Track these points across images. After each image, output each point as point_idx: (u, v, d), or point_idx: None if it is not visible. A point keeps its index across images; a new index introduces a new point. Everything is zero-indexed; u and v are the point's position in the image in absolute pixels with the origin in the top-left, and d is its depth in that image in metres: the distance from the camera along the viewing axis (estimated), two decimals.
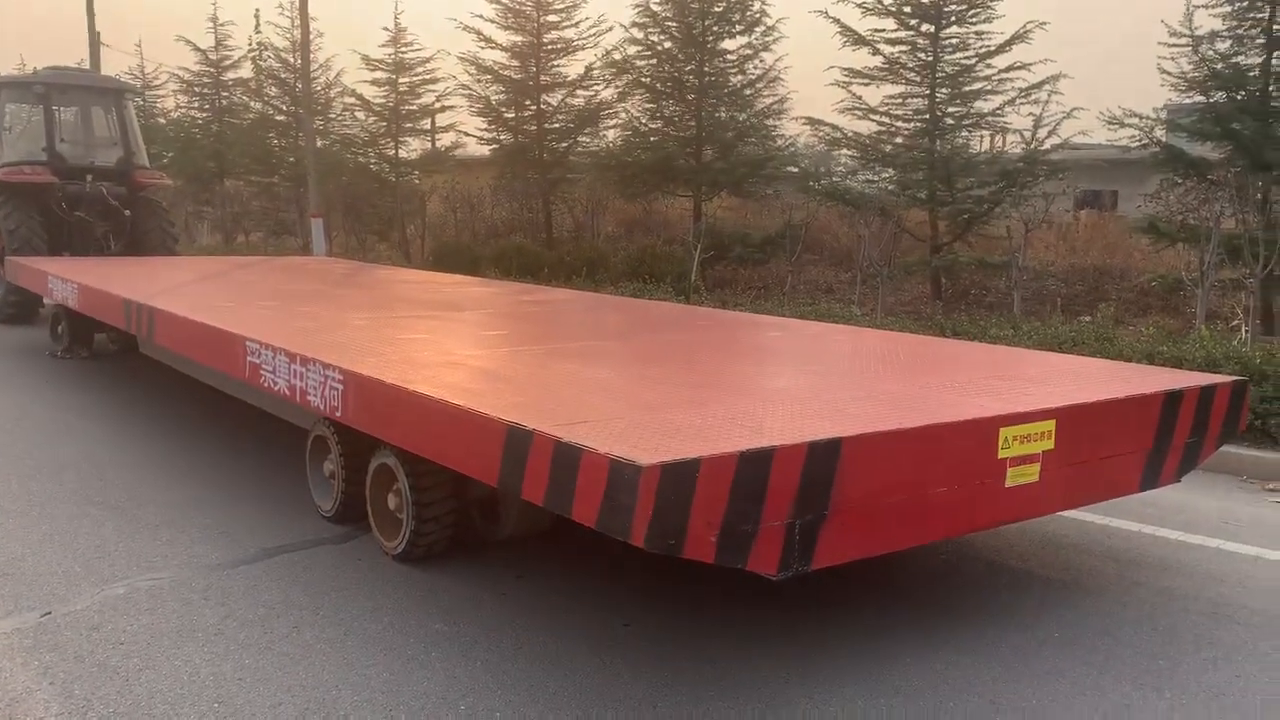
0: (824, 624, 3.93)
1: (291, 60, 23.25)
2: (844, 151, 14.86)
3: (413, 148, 22.07)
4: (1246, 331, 8.62)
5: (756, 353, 5.41)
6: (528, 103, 18.37)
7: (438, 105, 20.93)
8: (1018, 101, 12.95)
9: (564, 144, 18.39)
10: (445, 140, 22.17)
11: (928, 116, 13.48)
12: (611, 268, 13.25)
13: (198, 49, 25.20)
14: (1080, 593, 4.33)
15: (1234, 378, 4.59)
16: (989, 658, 3.66)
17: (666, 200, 17.60)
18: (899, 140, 13.54)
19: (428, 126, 21.84)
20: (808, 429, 3.28)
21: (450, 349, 5.22)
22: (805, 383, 4.33)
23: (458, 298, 7.92)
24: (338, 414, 4.40)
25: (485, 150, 19.45)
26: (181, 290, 7.81)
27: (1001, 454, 3.63)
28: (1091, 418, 3.93)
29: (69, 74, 14.09)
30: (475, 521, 4.71)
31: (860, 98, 13.63)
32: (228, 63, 25.31)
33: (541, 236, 18.21)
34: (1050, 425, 3.76)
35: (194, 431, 6.94)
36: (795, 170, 15.68)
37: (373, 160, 21.80)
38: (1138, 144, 11.51)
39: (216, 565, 4.47)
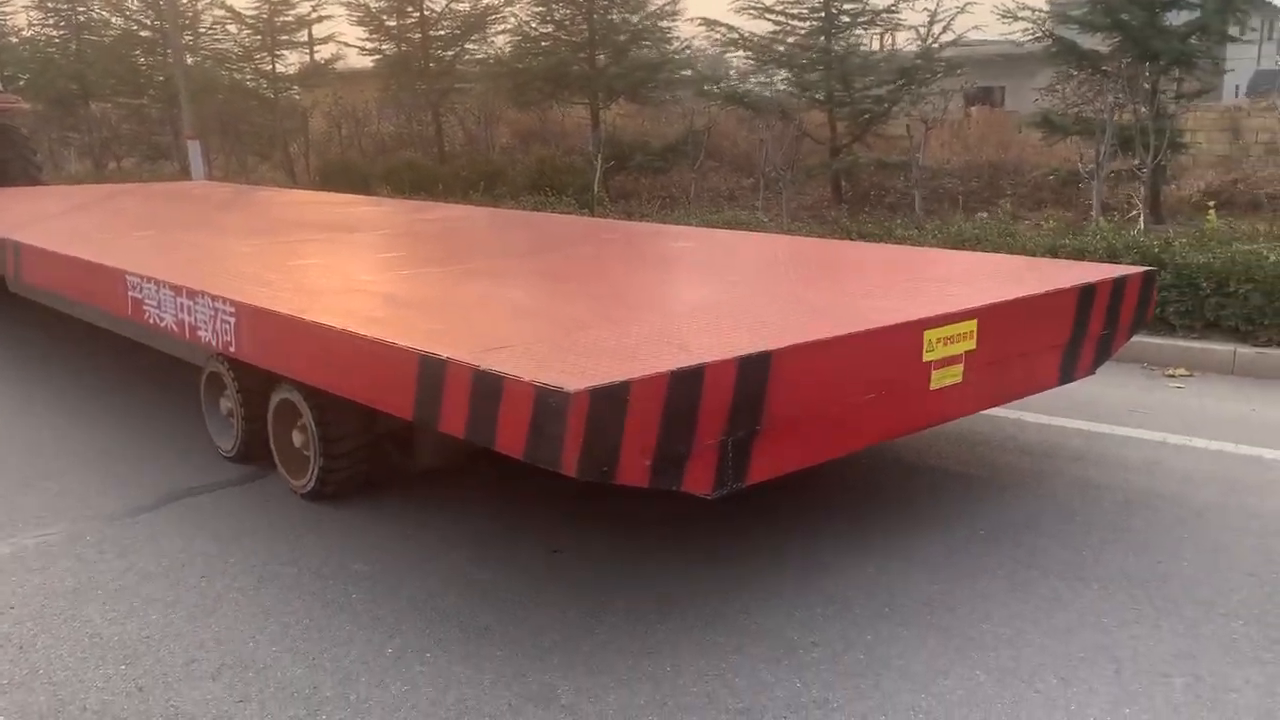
0: (753, 538, 3.88)
1: None
2: (739, 54, 14.63)
3: (290, 62, 21.05)
4: (1141, 220, 8.80)
5: (670, 265, 5.26)
6: (410, 9, 17.54)
7: (314, 15, 19.91)
8: None
9: (450, 52, 17.67)
10: (325, 53, 21.15)
11: (823, 14, 13.29)
12: (510, 181, 12.86)
13: None
14: (999, 488, 4.38)
15: (1143, 269, 4.63)
16: (918, 561, 3.66)
17: (562, 109, 17.10)
18: (794, 39, 13.32)
19: (305, 39, 20.77)
20: (735, 343, 3.16)
21: (348, 274, 4.95)
22: (724, 295, 4.21)
23: (350, 219, 7.55)
24: (232, 349, 4.12)
25: (368, 62, 18.61)
26: (50, 222, 7.27)
27: (926, 357, 3.58)
28: (1011, 315, 3.91)
29: None
30: (389, 455, 4.51)
31: None
32: None
33: (433, 151, 17.58)
34: (972, 325, 3.72)
35: (76, 374, 6.52)
36: (691, 74, 15.36)
37: (249, 77, 20.67)
38: (1030, 37, 11.55)
39: (112, 516, 4.20)
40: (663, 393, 2.83)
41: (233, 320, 4.05)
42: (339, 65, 21.07)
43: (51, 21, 24.30)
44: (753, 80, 15.43)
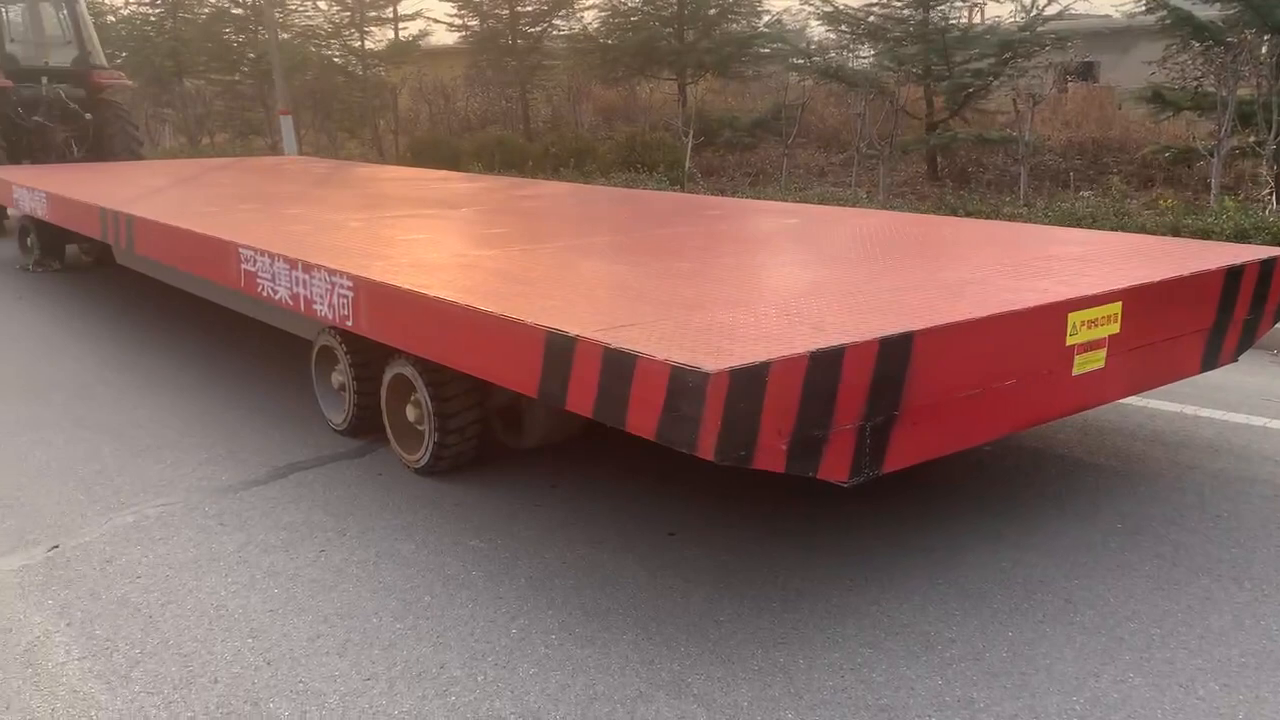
0: (879, 527, 3.75)
1: None
2: (822, 27, 14.28)
3: (378, 39, 21.18)
4: (1274, 199, 8.34)
5: (781, 242, 5.12)
6: None
7: None
8: None
9: (538, 28, 17.62)
10: (412, 29, 21.26)
11: None
12: (600, 158, 12.76)
13: None
14: (1134, 480, 4.17)
15: None
16: (1054, 553, 3.50)
17: (650, 85, 16.94)
18: (897, 9, 12.95)
19: (392, 16, 20.90)
20: (873, 324, 3.03)
21: (458, 249, 4.91)
22: (848, 273, 4.06)
23: (448, 194, 7.54)
24: (348, 324, 4.11)
25: (452, 39, 18.66)
26: (158, 196, 7.39)
27: (1070, 340, 3.41)
28: (1156, 298, 3.70)
29: None
30: (497, 431, 4.48)
31: None
32: None
33: (519, 128, 17.58)
34: (1117, 308, 3.53)
35: (182, 346, 6.62)
36: (785, 48, 15.07)
37: (337, 53, 20.89)
38: (1142, 8, 11.05)
39: (227, 487, 4.23)
40: (802, 374, 2.71)
41: (350, 294, 4.03)
42: (424, 42, 21.18)
43: (148, 1, 24.88)
44: (833, 54, 15.06)
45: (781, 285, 3.86)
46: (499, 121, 18.49)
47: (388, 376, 4.38)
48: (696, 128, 13.25)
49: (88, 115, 12.22)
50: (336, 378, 4.84)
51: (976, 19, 13.15)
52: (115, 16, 26.53)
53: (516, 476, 4.30)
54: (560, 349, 3.01)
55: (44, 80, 12.07)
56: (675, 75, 15.42)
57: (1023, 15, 12.16)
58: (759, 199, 8.58)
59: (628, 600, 3.24)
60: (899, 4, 13.18)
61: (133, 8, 25.50)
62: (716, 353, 2.70)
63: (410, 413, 4.33)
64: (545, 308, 3.36)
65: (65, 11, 12.81)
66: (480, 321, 3.33)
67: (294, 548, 3.66)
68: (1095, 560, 3.45)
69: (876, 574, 3.37)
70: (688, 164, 11.53)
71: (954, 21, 12.61)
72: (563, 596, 3.27)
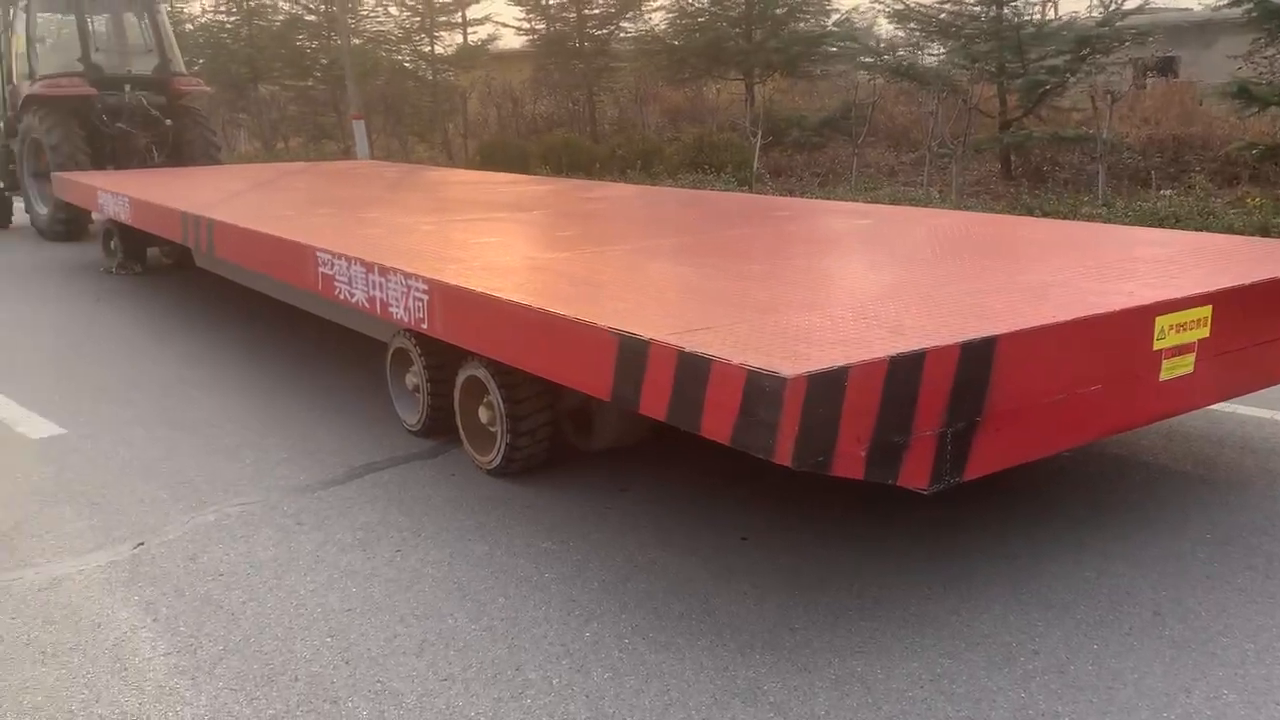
0: (956, 534, 3.68)
1: None
2: (890, 25, 14.09)
3: (448, 43, 21.45)
4: None
5: (855, 243, 5.05)
6: None
7: None
8: None
9: (605, 30, 17.68)
10: (481, 33, 21.48)
11: None
12: (667, 159, 12.75)
13: None
14: (1223, 488, 4.04)
15: None
16: (1140, 564, 3.40)
17: (717, 85, 16.89)
18: (967, 8, 12.74)
19: (459, 20, 21.13)
20: (954, 327, 2.97)
21: (528, 252, 4.94)
22: (925, 275, 4.00)
23: (518, 198, 7.59)
24: (423, 326, 4.15)
25: (519, 43, 18.82)
26: (236, 200, 7.55)
27: (1157, 345, 3.31)
28: (1247, 301, 3.58)
29: None
30: (568, 433, 4.49)
31: None
32: None
33: (586, 130, 17.65)
34: (1206, 311, 3.42)
35: (260, 347, 6.75)
36: (855, 46, 14.91)
37: (407, 58, 21.20)
38: (1227, 2, 10.72)
39: (305, 487, 4.30)
40: (881, 379, 2.67)
41: (425, 297, 4.07)
42: (492, 46, 21.39)
43: (225, 8, 25.53)
44: (903, 52, 14.85)
45: (856, 287, 3.81)
46: (565, 124, 18.59)
47: (461, 378, 4.42)
48: (764, 128, 13.19)
49: (168, 121, 12.54)
50: (411, 379, 4.89)
51: (1050, 14, 12.84)
52: (193, 24, 27.28)
53: (586, 479, 4.30)
54: (633, 352, 3.00)
55: (127, 88, 12.41)
56: (742, 75, 15.35)
57: (1100, 10, 11.85)
58: (829, 199, 8.50)
59: (700, 605, 3.22)
60: (971, 1, 12.97)
61: (210, 15, 26.24)
62: (793, 357, 2.67)
63: (483, 414, 4.35)
64: (617, 311, 3.36)
65: (147, 20, 13.16)
66: (553, 324, 3.34)
67: (370, 547, 3.70)
68: (1183, 571, 3.34)
69: (955, 582, 3.31)
70: (756, 164, 11.47)
71: (1028, 18, 12.35)
72: (635, 600, 3.26)
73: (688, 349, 2.81)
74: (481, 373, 4.23)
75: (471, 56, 21.00)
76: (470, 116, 20.14)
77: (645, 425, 4.40)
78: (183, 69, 13.41)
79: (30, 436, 5.01)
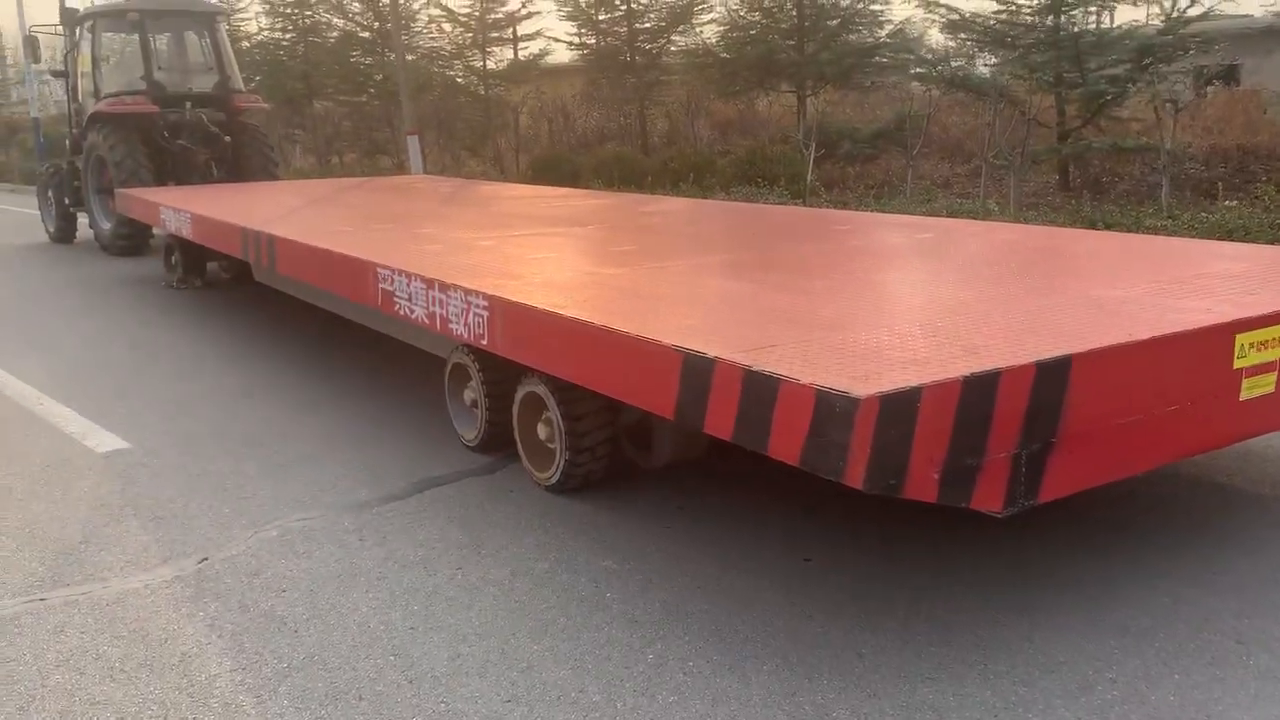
0: (1026, 558, 3.59)
1: None
2: (941, 35, 13.94)
3: (499, 58, 21.63)
4: None
5: (918, 258, 4.98)
6: (617, 1, 17.68)
7: (523, 11, 20.36)
8: None
9: (655, 44, 17.71)
10: (532, 48, 21.62)
11: None
12: (719, 172, 12.71)
13: None
14: None
15: None
16: (1220, 590, 3.29)
17: (768, 97, 16.84)
18: (1023, 18, 12.57)
19: (511, 35, 21.29)
20: (1027, 346, 2.90)
21: (587, 268, 4.93)
22: (993, 290, 3.92)
23: (573, 212, 7.60)
24: (484, 342, 4.15)
25: (568, 58, 18.92)
26: (295, 216, 7.65)
27: (1237, 364, 3.21)
28: None
29: None
30: (626, 449, 4.46)
31: None
32: None
33: (636, 144, 17.68)
34: None
35: (318, 361, 6.82)
36: (910, 57, 14.78)
37: (460, 74, 21.40)
38: None
39: (365, 502, 4.31)
40: (955, 400, 2.61)
41: (486, 314, 4.07)
42: (542, 61, 21.52)
43: (280, 26, 25.94)
44: (958, 63, 14.68)
45: (924, 304, 3.74)
46: (615, 138, 18.65)
47: (520, 394, 4.41)
48: (816, 140, 13.11)
49: (227, 138, 12.76)
50: (469, 395, 4.90)
51: (1108, 22, 12.63)
52: (250, 41, 27.78)
53: (645, 496, 4.27)
54: (698, 371, 2.97)
55: (188, 105, 12.65)
56: (794, 88, 15.28)
57: (1161, 18, 11.62)
58: (885, 212, 8.40)
59: (765, 627, 3.17)
60: (1027, 10, 12.80)
61: (266, 33, 26.68)
62: (865, 377, 2.62)
63: (541, 430, 4.34)
64: (680, 328, 3.33)
65: (208, 39, 13.41)
66: (616, 341, 3.31)
67: (431, 564, 3.70)
68: (1265, 598, 3.23)
69: (1028, 608, 3.22)
70: (810, 177, 11.39)
71: (1088, 27, 12.16)
72: (699, 622, 3.22)
73: (755, 368, 2.77)
74: (540, 389, 4.22)
75: (522, 71, 21.15)
76: (521, 130, 20.29)
77: (704, 442, 4.38)
78: (242, 86, 13.64)
79: (96, 450, 5.09)
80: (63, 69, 14.53)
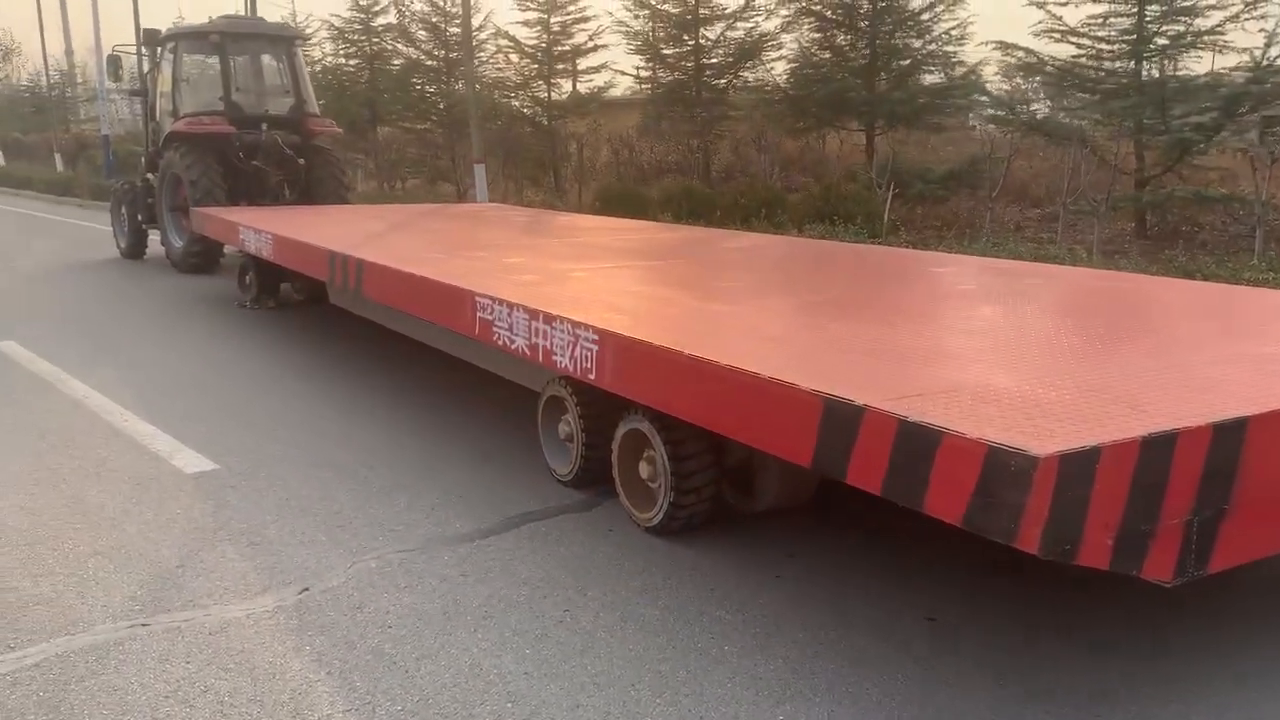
0: (1177, 629, 3.39)
1: (441, 3, 23.13)
2: (998, 79, 13.77)
3: (564, 90, 21.74)
4: None
5: (1037, 304, 4.78)
6: (685, 37, 17.72)
7: (590, 44, 20.46)
8: (1242, 17, 11.66)
9: (722, 80, 17.71)
10: (598, 80, 21.71)
11: (1134, 36, 12.31)
12: (791, 209, 12.60)
13: None
14: None
15: None
16: None
17: (839, 136, 16.73)
18: (1105, 64, 12.39)
19: (579, 67, 21.43)
20: (1196, 404, 2.74)
21: (690, 303, 4.82)
22: (1136, 342, 3.75)
23: (655, 245, 7.51)
24: (590, 376, 4.04)
25: (624, 91, 18.97)
26: (379, 241, 7.63)
27: None
28: None
29: (242, 22, 14.18)
30: (725, 492, 4.32)
31: (1060, 18, 12.53)
32: (377, 8, 25.33)
33: (701, 178, 17.63)
34: None
35: (398, 386, 6.75)
36: (985, 99, 14.63)
37: (525, 104, 21.53)
38: None
39: (463, 536, 4.21)
40: (1133, 461, 2.46)
41: (595, 348, 3.97)
42: (608, 94, 21.61)
43: (346, 52, 26.31)
44: (1036, 106, 14.51)
45: (1065, 353, 3.57)
46: (674, 171, 18.61)
47: (620, 431, 4.30)
48: (888, 179, 12.97)
49: (301, 160, 12.87)
50: (563, 428, 4.79)
51: (1194, 68, 12.39)
52: (318, 66, 28.20)
53: (749, 541, 4.13)
54: (842, 418, 2.83)
55: (264, 127, 12.78)
56: (863, 126, 15.17)
57: (1252, 67, 11.37)
58: (970, 254, 8.22)
59: (899, 692, 3.00)
60: (1108, 55, 12.61)
61: (333, 58, 27.07)
62: (1037, 434, 2.47)
63: (643, 469, 4.22)
64: (811, 370, 3.20)
65: (285, 62, 13.58)
66: (746, 383, 3.18)
67: (538, 605, 3.58)
68: None
69: (1179, 681, 3.03)
70: (887, 216, 11.24)
71: (1174, 74, 11.93)
72: (825, 682, 3.06)
73: (911, 419, 2.63)
74: (645, 426, 4.10)
75: (585, 104, 21.22)
76: (584, 162, 20.33)
77: (809, 487, 4.24)
78: (317, 110, 13.77)
79: (184, 471, 5.04)
80: (141, 88, 14.78)
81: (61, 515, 4.42)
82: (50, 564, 3.91)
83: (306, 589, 3.71)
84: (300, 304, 10.00)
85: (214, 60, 13.12)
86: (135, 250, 14.14)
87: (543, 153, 20.21)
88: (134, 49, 15.66)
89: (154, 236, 13.59)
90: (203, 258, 12.44)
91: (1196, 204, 12.13)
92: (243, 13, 25.67)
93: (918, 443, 2.61)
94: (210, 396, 6.49)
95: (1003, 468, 2.39)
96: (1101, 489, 2.41)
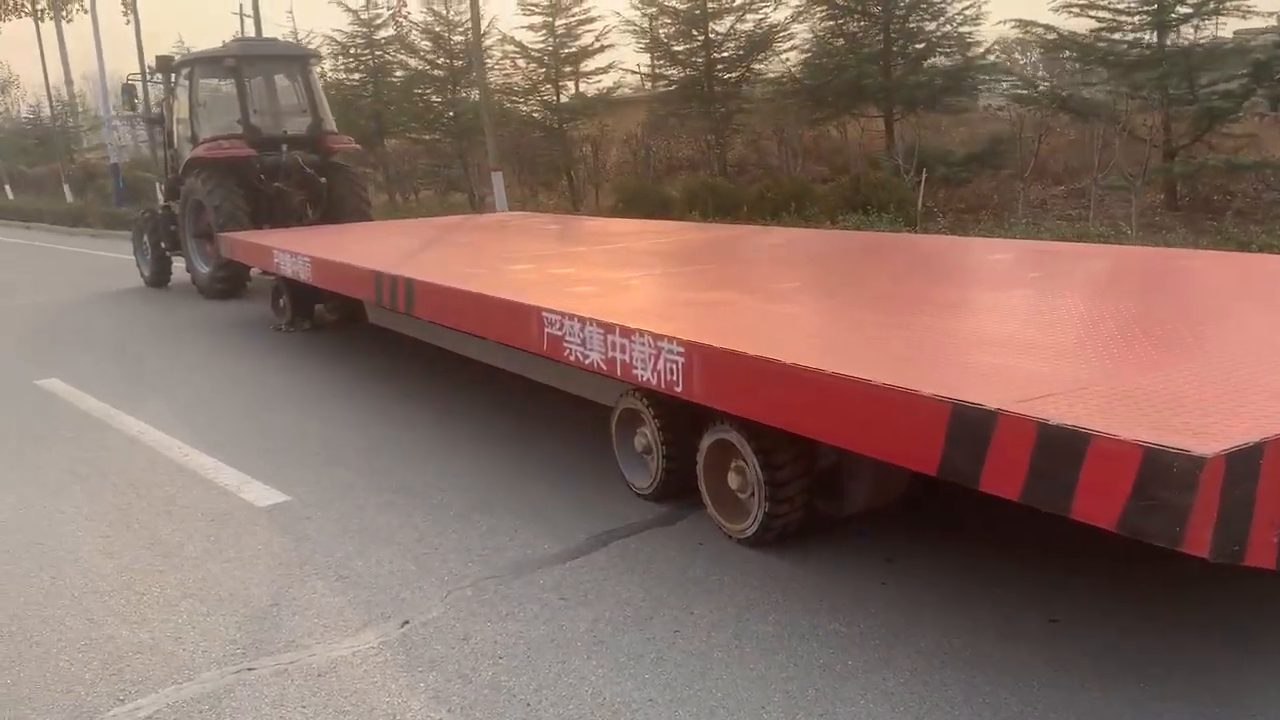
0: None
1: (444, 12, 23.08)
2: (1017, 53, 13.62)
3: (570, 92, 21.65)
4: None
5: (1118, 289, 4.69)
6: (695, 33, 17.61)
7: (597, 45, 20.37)
8: None
9: (734, 74, 17.61)
10: (606, 81, 21.61)
11: (1155, 6, 12.17)
12: (820, 200, 12.48)
13: (349, 9, 25.26)
14: None
15: None
16: None
17: (860, 123, 16.59)
18: (1126, 36, 12.25)
19: (587, 69, 21.33)
20: None
21: (761, 307, 4.74)
22: (1242, 326, 3.65)
23: (699, 247, 7.43)
24: (677, 389, 3.95)
25: (629, 91, 18.82)
26: (420, 257, 7.57)
27: None
28: None
29: (256, 44, 14.14)
30: (814, 497, 4.24)
31: None
32: (379, 21, 25.28)
33: (718, 173, 17.52)
34: None
35: (452, 403, 6.69)
36: (1006, 79, 14.50)
37: (535, 109, 21.44)
38: None
39: (553, 557, 4.13)
40: None
41: (681, 360, 3.88)
42: (617, 94, 21.50)
43: (349, 66, 26.24)
44: (1053, 82, 14.37)
45: (1174, 342, 3.48)
46: (685, 167, 18.48)
47: (706, 442, 4.22)
48: (909, 164, 12.86)
49: (323, 179, 12.81)
50: (640, 441, 4.72)
51: (1212, 31, 12.24)
52: (322, 82, 28.09)
53: (843, 547, 4.05)
54: (972, 423, 2.75)
55: (284, 148, 12.73)
56: (882, 113, 15.05)
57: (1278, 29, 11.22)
58: (1013, 237, 8.12)
59: (1039, 699, 2.93)
60: (1130, 26, 12.47)
61: (337, 73, 27.02)
62: (1194, 432, 2.39)
63: (733, 480, 4.14)
64: (923, 373, 3.12)
65: (300, 82, 13.52)
66: (858, 392, 3.10)
67: (646, 626, 3.50)
68: None
69: None
70: (921, 203, 11.13)
71: (1202, 41, 11.78)
72: (961, 693, 2.98)
73: (1053, 422, 2.55)
74: (733, 435, 4.03)
75: (591, 105, 21.12)
76: (594, 163, 20.22)
77: (900, 487, 4.16)
78: (334, 127, 13.69)
79: (257, 505, 4.97)
80: (157, 115, 14.74)
81: (143, 557, 4.36)
82: (142, 609, 3.85)
83: (407, 622, 3.64)
84: (335, 323, 9.94)
85: (230, 83, 13.06)
86: (159, 278, 14.09)
87: (555, 156, 20.11)
88: (141, 77, 15.61)
89: (178, 263, 13.55)
90: (230, 282, 12.39)
91: (1227, 172, 11.99)
92: (240, 34, 25.74)
93: (1062, 447, 2.52)
94: (265, 425, 6.43)
95: (1164, 470, 2.30)
96: (1265, 486, 2.33)
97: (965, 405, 2.77)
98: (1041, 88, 13.11)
